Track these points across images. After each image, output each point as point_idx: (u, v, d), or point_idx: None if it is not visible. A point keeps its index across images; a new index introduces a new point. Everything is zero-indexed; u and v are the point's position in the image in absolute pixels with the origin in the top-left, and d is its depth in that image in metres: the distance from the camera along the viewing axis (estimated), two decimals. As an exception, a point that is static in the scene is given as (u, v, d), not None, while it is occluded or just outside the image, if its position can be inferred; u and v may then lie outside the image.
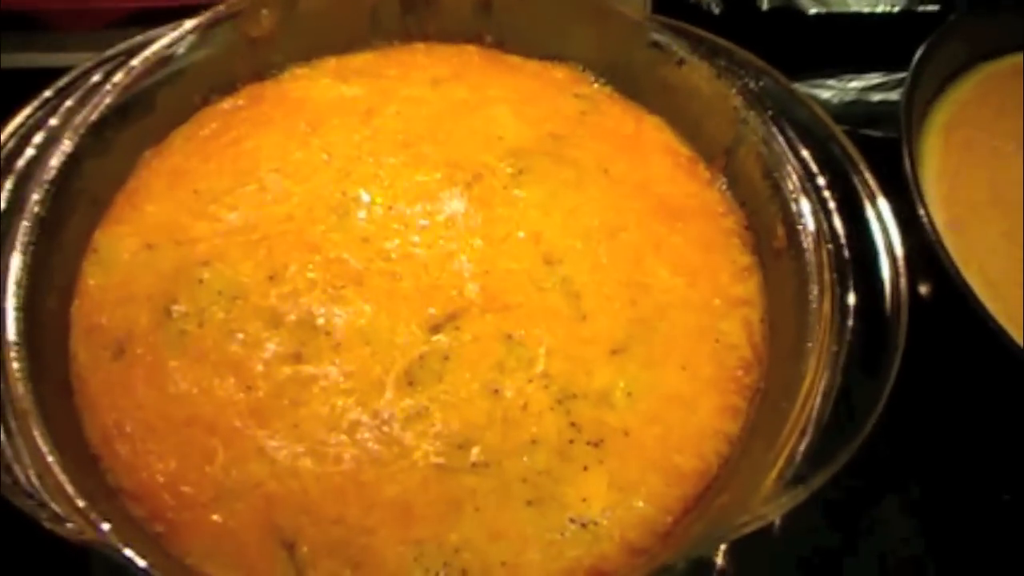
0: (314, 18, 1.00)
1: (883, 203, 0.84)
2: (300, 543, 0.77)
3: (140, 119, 0.92)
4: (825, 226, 0.84)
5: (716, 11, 1.23)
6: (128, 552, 0.71)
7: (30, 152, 0.86)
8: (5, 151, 0.86)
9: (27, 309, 0.80)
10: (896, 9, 1.24)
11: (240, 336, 0.83)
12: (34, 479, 0.74)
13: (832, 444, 0.76)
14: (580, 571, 0.76)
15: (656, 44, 0.95)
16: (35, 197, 0.84)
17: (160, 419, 0.81)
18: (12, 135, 0.87)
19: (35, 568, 0.94)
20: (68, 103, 0.88)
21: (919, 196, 0.92)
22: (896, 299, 0.81)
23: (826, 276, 0.82)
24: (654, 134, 0.96)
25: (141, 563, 0.71)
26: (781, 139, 0.88)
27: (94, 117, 0.88)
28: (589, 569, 0.76)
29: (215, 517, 0.78)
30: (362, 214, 0.90)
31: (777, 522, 0.92)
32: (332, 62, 1.00)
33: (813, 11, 1.23)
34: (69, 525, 0.73)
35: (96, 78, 0.90)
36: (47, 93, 0.89)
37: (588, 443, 0.80)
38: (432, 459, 0.79)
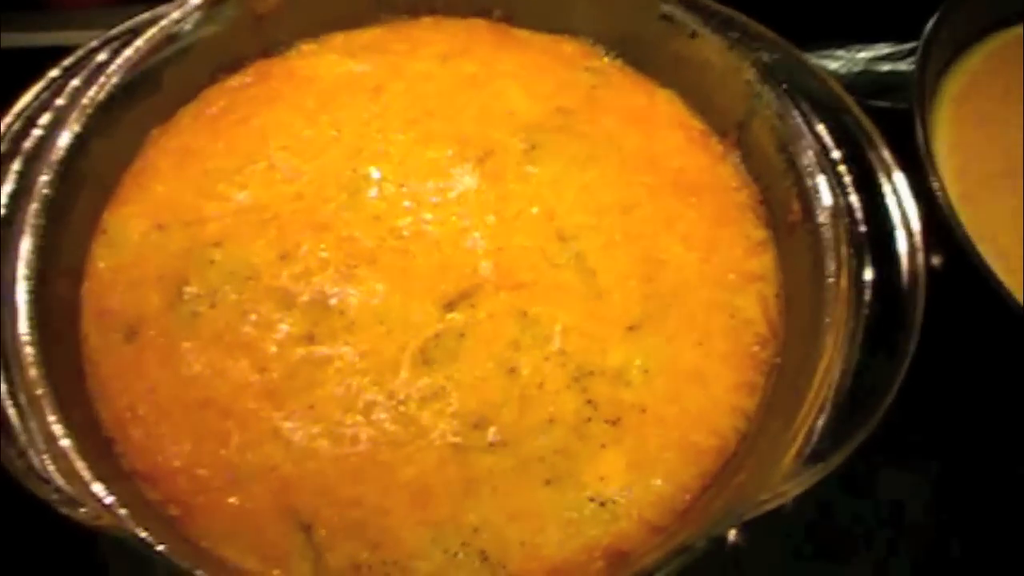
0: (320, -7, 0.99)
1: (899, 177, 0.84)
2: (317, 525, 0.76)
3: (147, 98, 0.91)
4: (841, 200, 0.84)
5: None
6: (144, 535, 0.72)
7: (37, 133, 0.85)
8: (12, 132, 0.85)
9: (37, 292, 0.80)
10: (905, -22, 1.23)
11: (253, 317, 0.83)
12: (49, 464, 0.74)
13: (850, 420, 0.76)
14: (599, 550, 0.76)
15: (667, 17, 0.94)
16: (43, 179, 0.83)
17: (174, 402, 0.80)
18: (18, 116, 0.86)
19: (43, 553, 0.94)
20: (74, 83, 0.87)
21: (932, 169, 0.91)
22: (913, 274, 0.80)
23: (843, 251, 0.81)
24: (666, 108, 0.95)
25: (158, 547, 0.71)
26: (796, 113, 0.87)
27: (101, 97, 0.86)
28: (608, 548, 0.76)
29: (231, 500, 0.77)
30: (373, 192, 0.89)
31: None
32: (339, 38, 0.98)
33: (822, -20, 1.22)
34: (84, 510, 0.73)
35: (102, 57, 0.88)
36: (53, 73, 0.88)
37: (605, 421, 0.80)
38: (449, 439, 0.79)
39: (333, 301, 0.84)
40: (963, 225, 0.89)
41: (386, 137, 0.92)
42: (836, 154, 0.85)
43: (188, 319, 0.83)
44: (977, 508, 0.99)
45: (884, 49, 1.16)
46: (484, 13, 1.01)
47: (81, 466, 0.73)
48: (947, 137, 1.00)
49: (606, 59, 0.99)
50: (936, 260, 0.91)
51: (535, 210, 0.88)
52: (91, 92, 0.87)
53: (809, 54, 0.92)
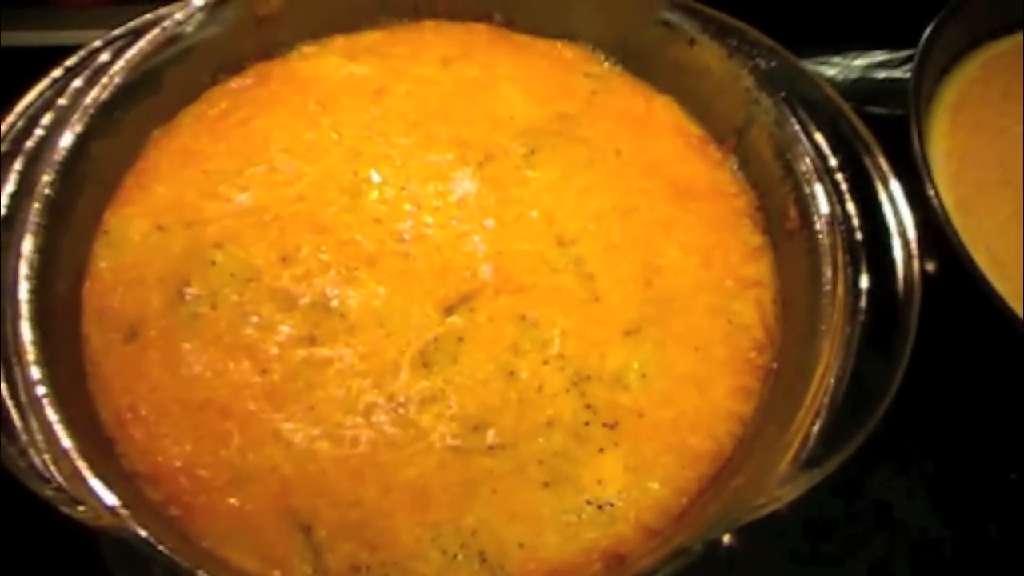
0: (322, -4, 1.00)
1: (895, 185, 0.84)
2: (317, 526, 0.77)
3: (148, 98, 0.91)
4: (838, 208, 0.84)
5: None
6: (145, 535, 0.72)
7: (39, 133, 0.85)
8: (13, 132, 0.85)
9: (38, 292, 0.80)
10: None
11: (254, 319, 0.83)
12: (50, 464, 0.74)
13: (846, 426, 0.76)
14: (596, 552, 0.77)
15: (667, 23, 0.94)
16: (44, 179, 0.83)
17: (175, 402, 0.81)
18: (20, 115, 0.86)
19: (44, 553, 0.94)
20: (76, 83, 0.87)
21: (928, 176, 0.92)
22: (909, 281, 0.81)
23: (839, 258, 0.82)
24: (664, 114, 0.96)
25: (160, 547, 0.72)
26: (793, 120, 0.88)
27: (103, 97, 0.87)
28: (605, 551, 0.77)
29: (231, 500, 0.78)
30: (374, 195, 0.89)
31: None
32: (340, 40, 0.99)
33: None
34: (84, 509, 0.73)
35: (104, 57, 0.89)
36: (55, 72, 0.88)
37: (603, 425, 0.81)
38: (448, 441, 0.79)
39: (334, 303, 0.84)
40: (958, 232, 0.90)
41: (387, 140, 0.92)
42: (833, 161, 0.86)
43: (189, 320, 0.83)
44: (970, 511, 0.99)
45: (880, 56, 1.16)
46: (485, 18, 1.02)
47: (82, 465, 0.74)
48: (943, 144, 1.01)
49: (606, 64, 0.99)
50: (931, 267, 0.92)
51: (534, 214, 0.89)
52: (93, 92, 0.87)
53: (805, 61, 0.92)
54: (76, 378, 0.82)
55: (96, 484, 0.73)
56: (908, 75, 1.10)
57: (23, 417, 0.76)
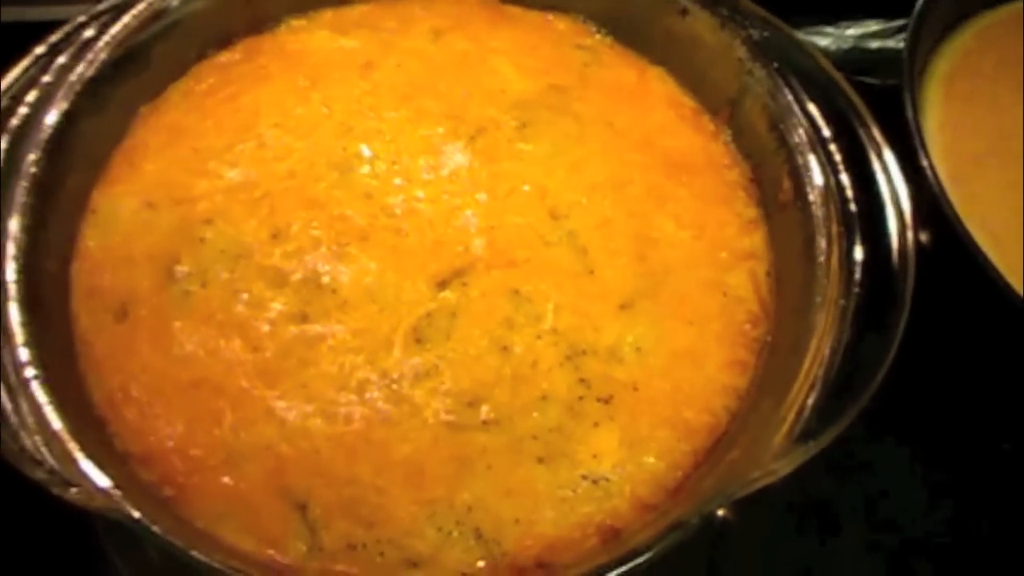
0: (309, -32, 0.98)
1: (890, 156, 0.84)
2: (312, 504, 0.77)
3: (135, 75, 0.90)
4: (831, 179, 0.84)
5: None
6: (139, 516, 0.72)
7: (24, 111, 0.84)
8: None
9: (26, 272, 0.79)
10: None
11: (245, 296, 0.83)
12: (41, 446, 0.74)
13: (841, 399, 0.76)
14: (592, 527, 0.77)
15: (658, -7, 0.94)
16: (31, 157, 0.82)
17: (166, 382, 0.80)
18: (4, 93, 0.85)
19: (38, 534, 0.94)
20: (61, 59, 0.86)
21: (923, 147, 0.91)
22: (903, 253, 0.80)
23: (833, 229, 0.82)
24: (657, 85, 0.95)
25: (154, 527, 0.71)
26: (787, 91, 0.87)
27: (89, 73, 0.85)
28: (600, 525, 0.77)
29: (225, 480, 0.77)
30: (365, 169, 0.88)
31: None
32: (329, 14, 0.98)
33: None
34: (76, 491, 0.72)
35: (89, 33, 0.87)
36: (39, 49, 0.86)
37: (598, 399, 0.80)
38: (442, 417, 0.79)
39: (325, 279, 0.83)
40: (953, 203, 0.89)
41: (378, 114, 0.91)
42: (827, 132, 0.85)
43: (180, 298, 0.83)
44: (963, 482, 1.00)
45: (873, 26, 1.16)
46: (475, -11, 1.01)
47: (74, 447, 0.73)
48: (936, 116, 1.01)
49: (597, 36, 0.98)
50: (925, 238, 0.91)
51: (527, 188, 0.88)
52: (79, 69, 0.86)
53: (798, 31, 0.92)
54: (66, 359, 0.81)
55: (88, 466, 0.72)
56: (901, 45, 1.10)
57: (13, 399, 0.75)
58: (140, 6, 0.89)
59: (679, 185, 0.89)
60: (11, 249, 0.79)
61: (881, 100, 0.91)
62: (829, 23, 1.16)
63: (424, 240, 0.85)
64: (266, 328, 0.82)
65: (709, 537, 0.96)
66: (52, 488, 0.73)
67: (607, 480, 0.78)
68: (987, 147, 0.99)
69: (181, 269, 0.84)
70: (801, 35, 0.92)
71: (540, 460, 0.78)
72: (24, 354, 0.76)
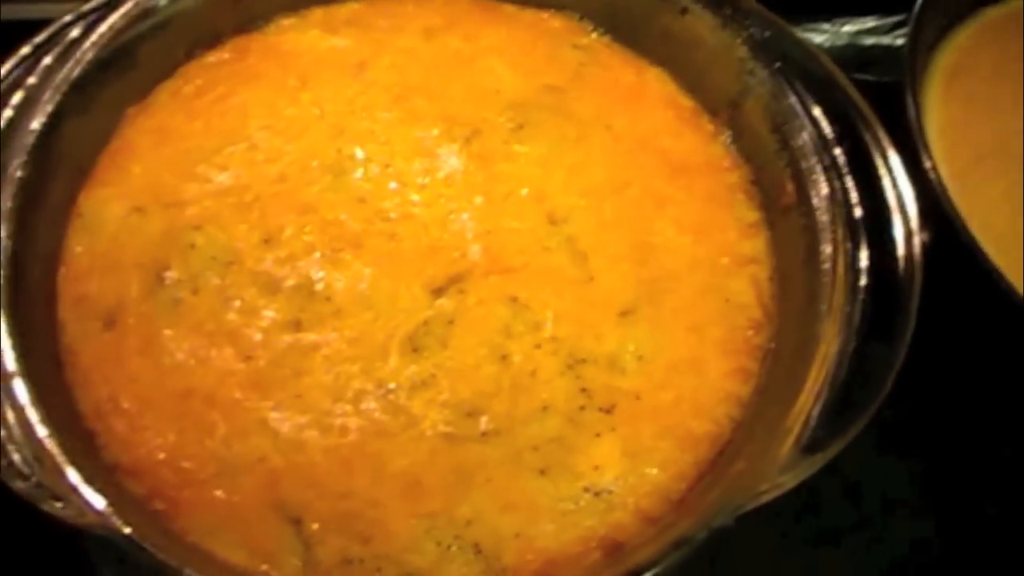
0: (298, -35, 0.96)
1: (895, 159, 0.82)
2: (307, 518, 0.75)
3: (122, 75, 0.87)
4: (836, 183, 0.82)
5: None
6: (129, 533, 0.70)
7: (8, 113, 0.82)
8: (-20, 111, 0.82)
9: (11, 279, 0.77)
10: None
11: (237, 303, 0.81)
12: (30, 459, 0.72)
13: (848, 408, 0.75)
14: (594, 541, 0.75)
15: (657, -8, 0.92)
16: (16, 161, 0.80)
17: (156, 392, 0.78)
18: (-11, 94, 0.83)
19: (25, 545, 0.92)
20: (47, 60, 0.83)
21: (925, 148, 0.90)
22: (909, 259, 0.79)
23: (838, 235, 0.80)
24: (656, 86, 0.93)
25: (145, 545, 0.69)
26: (790, 92, 0.85)
27: (75, 74, 0.83)
28: (603, 539, 0.76)
29: (218, 493, 0.76)
30: (358, 173, 0.86)
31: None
32: (319, 12, 0.95)
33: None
34: (65, 507, 0.70)
35: (75, 33, 0.85)
36: (24, 50, 0.84)
37: (599, 409, 0.79)
38: (440, 428, 0.77)
39: (319, 286, 0.81)
40: (955, 206, 0.88)
41: (371, 115, 0.89)
42: (830, 135, 0.84)
43: (169, 306, 0.81)
44: (964, 488, 0.99)
45: (869, 22, 1.14)
46: (468, -13, 0.98)
47: (63, 461, 0.71)
48: (936, 117, 0.99)
49: (594, 35, 0.96)
50: (927, 239, 0.90)
51: (525, 191, 0.86)
52: (65, 70, 0.83)
53: (794, 27, 0.90)
54: (53, 369, 0.80)
55: (77, 481, 0.70)
56: (898, 41, 1.09)
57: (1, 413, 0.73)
58: (127, 5, 0.86)
59: (679, 188, 0.88)
60: (-1, 256, 0.78)
61: (879, 97, 0.89)
62: (826, 19, 1.14)
63: (419, 246, 0.83)
64: (259, 336, 0.80)
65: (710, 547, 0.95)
66: (40, 504, 0.71)
67: (609, 492, 0.77)
68: (988, 148, 0.97)
69: (171, 275, 0.82)
70: (798, 32, 0.90)
71: (541, 472, 0.77)
72: (10, 364, 0.74)
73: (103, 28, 0.85)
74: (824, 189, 0.82)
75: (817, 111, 0.85)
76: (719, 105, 0.91)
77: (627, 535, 0.76)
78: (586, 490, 0.76)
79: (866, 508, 0.97)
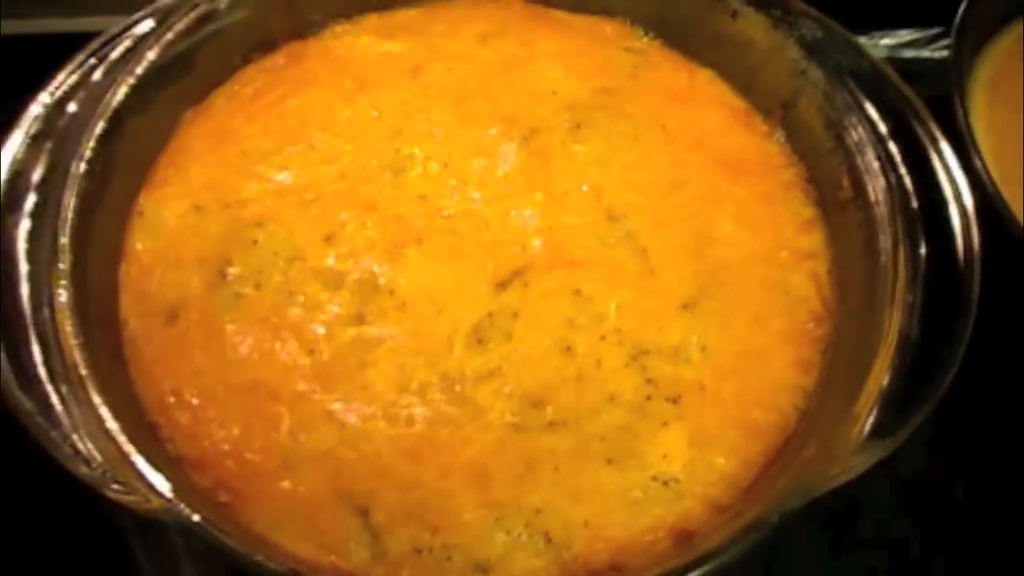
0: (354, -27, 0.98)
1: (948, 150, 0.83)
2: (374, 509, 0.74)
3: (180, 79, 0.88)
4: (892, 177, 0.83)
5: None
6: (199, 519, 0.69)
7: (70, 115, 0.83)
8: (45, 114, 0.82)
9: (75, 277, 0.77)
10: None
11: (300, 298, 0.81)
12: (93, 449, 0.72)
13: (914, 395, 0.75)
14: (663, 530, 0.75)
15: (708, -4, 0.93)
16: (78, 160, 0.81)
17: (220, 385, 0.78)
18: (51, 97, 0.83)
19: (74, 543, 0.92)
20: (109, 60, 0.85)
21: (975, 148, 0.91)
22: (968, 248, 0.79)
23: (898, 227, 0.81)
24: (708, 88, 0.94)
25: (214, 532, 0.69)
26: (843, 90, 0.86)
27: (134, 79, 0.84)
28: (672, 527, 0.75)
29: (284, 484, 0.75)
30: (418, 171, 0.87)
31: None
32: (373, 19, 0.96)
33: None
34: (131, 493, 0.70)
35: (134, 39, 0.86)
36: (85, 54, 0.85)
37: (666, 399, 0.79)
38: (507, 418, 0.77)
39: (382, 281, 0.82)
40: (1008, 204, 0.88)
41: (428, 117, 0.90)
42: (884, 130, 0.85)
43: (232, 301, 0.81)
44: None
45: (907, 36, 1.15)
46: (520, -6, 1.00)
47: (130, 449, 0.71)
48: (982, 121, 1.00)
49: (645, 39, 0.97)
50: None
51: (584, 188, 0.87)
52: (125, 74, 0.84)
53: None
54: (115, 364, 0.79)
55: (146, 467, 0.71)
56: (937, 54, 1.10)
57: (64, 403, 0.73)
58: (188, 13, 0.87)
59: (735, 186, 0.88)
60: (60, 253, 0.77)
61: (924, 109, 0.90)
62: (863, 33, 1.15)
63: (481, 241, 0.84)
64: (322, 330, 0.80)
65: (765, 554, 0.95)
66: (105, 491, 0.71)
67: (677, 481, 0.76)
68: (1034, 151, 0.99)
69: (233, 271, 0.82)
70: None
71: (608, 461, 0.76)
72: (76, 356, 0.74)
73: (162, 34, 0.86)
74: (880, 183, 0.83)
75: (870, 107, 0.86)
76: (772, 105, 0.92)
77: (696, 524, 0.75)
78: (654, 479, 0.76)
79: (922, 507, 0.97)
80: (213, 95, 0.92)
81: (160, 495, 0.70)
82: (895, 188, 0.83)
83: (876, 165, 0.84)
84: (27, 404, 0.72)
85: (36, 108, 0.83)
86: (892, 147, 0.84)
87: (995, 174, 0.93)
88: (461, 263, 0.83)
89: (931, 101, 0.94)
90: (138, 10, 0.89)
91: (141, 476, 0.70)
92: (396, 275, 0.82)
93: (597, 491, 0.75)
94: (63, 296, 0.76)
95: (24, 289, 0.77)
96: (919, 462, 0.98)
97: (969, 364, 0.76)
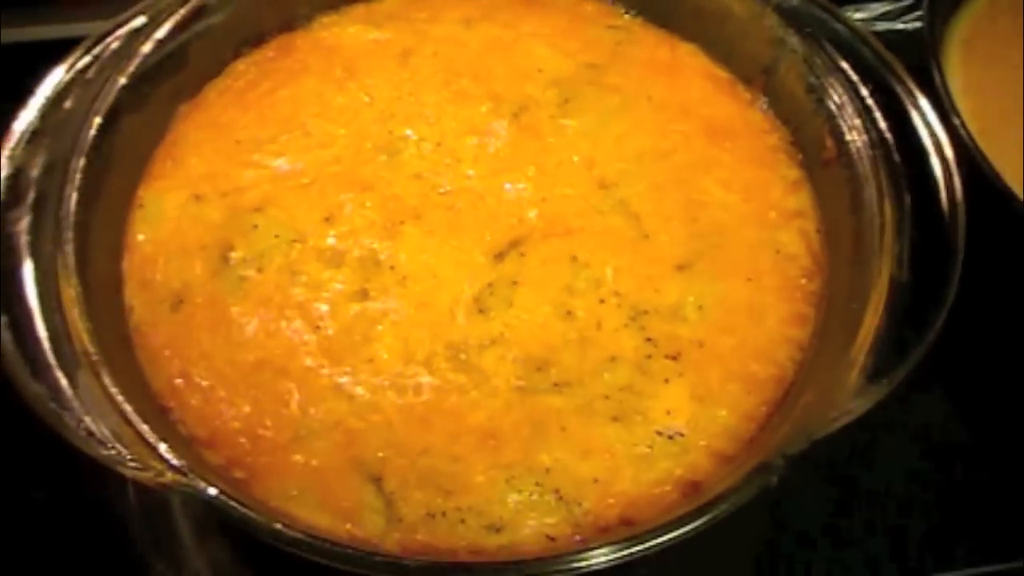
0: (340, -36, 1.00)
1: (925, 103, 0.85)
2: (387, 476, 0.76)
3: (174, 74, 0.90)
4: (873, 133, 0.85)
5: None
6: (216, 493, 0.70)
7: (67, 108, 0.84)
8: (42, 110, 0.83)
9: (79, 268, 0.78)
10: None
11: (303, 278, 0.83)
12: (105, 430, 0.72)
13: (907, 339, 0.76)
14: (671, 482, 0.76)
15: (685, -30, 0.96)
16: (76, 156, 0.82)
17: (228, 366, 0.80)
18: (47, 94, 0.84)
19: (78, 534, 0.93)
20: (103, 58, 0.86)
21: (951, 105, 0.93)
22: (951, 194, 0.81)
23: (882, 180, 0.83)
24: (690, 60, 0.96)
25: (232, 503, 0.70)
26: (822, 53, 0.89)
27: (131, 70, 0.86)
28: (680, 480, 0.76)
29: (296, 457, 0.77)
30: (412, 151, 0.89)
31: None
32: (360, 9, 0.98)
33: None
34: (145, 469, 0.71)
35: (126, 37, 0.87)
36: (78, 54, 0.86)
37: (666, 357, 0.80)
38: (513, 383, 0.79)
39: (382, 257, 0.83)
40: (988, 158, 0.90)
41: (419, 99, 0.92)
42: (863, 89, 0.87)
43: (236, 284, 0.82)
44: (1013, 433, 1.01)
45: (879, 8, 1.17)
46: (503, -21, 1.02)
47: (144, 428, 0.72)
48: (959, 81, 1.02)
49: (627, 16, 0.99)
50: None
51: (575, 159, 0.89)
52: (118, 71, 0.86)
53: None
54: (123, 350, 0.80)
55: (160, 445, 0.71)
56: (911, 25, 1.12)
57: (74, 387, 0.74)
58: (178, 9, 0.89)
59: (722, 151, 0.90)
60: (63, 246, 0.79)
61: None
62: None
63: (478, 215, 0.86)
64: (326, 308, 0.81)
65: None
66: (122, 469, 0.71)
67: (682, 435, 0.78)
68: (1012, 105, 1.00)
69: (235, 255, 0.83)
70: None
71: (614, 419, 0.78)
72: (86, 340, 0.75)
73: (155, 31, 0.88)
74: (862, 140, 0.85)
75: (848, 68, 0.88)
76: (753, 73, 0.94)
77: (703, 475, 0.77)
78: (659, 434, 0.78)
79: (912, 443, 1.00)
80: (206, 89, 0.93)
81: (176, 469, 0.71)
82: (877, 143, 0.85)
83: (857, 123, 0.86)
84: (39, 390, 0.73)
85: (33, 106, 0.84)
86: (872, 104, 0.86)
87: (974, 128, 0.95)
88: (459, 237, 0.84)
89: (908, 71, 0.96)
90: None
91: (156, 453, 0.71)
92: (396, 251, 0.84)
93: (605, 448, 0.77)
94: (69, 287, 0.77)
95: (29, 282, 0.78)
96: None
97: (954, 312, 0.78)
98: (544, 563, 0.71)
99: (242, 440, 0.77)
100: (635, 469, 0.76)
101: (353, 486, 0.76)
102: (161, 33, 0.88)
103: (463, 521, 0.75)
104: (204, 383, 0.79)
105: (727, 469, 0.77)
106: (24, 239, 0.80)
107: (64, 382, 0.74)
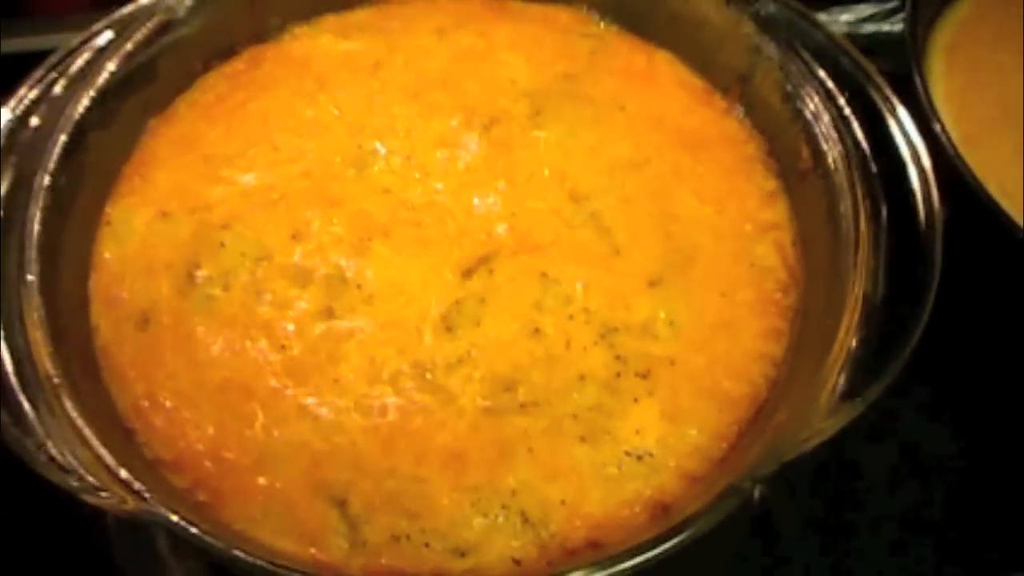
0: (311, -25, 0.99)
1: (904, 113, 0.83)
2: (352, 499, 0.75)
3: (143, 88, 0.89)
4: (850, 143, 0.84)
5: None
6: (177, 519, 0.69)
7: (34, 126, 0.83)
8: (8, 128, 0.83)
9: (44, 287, 0.78)
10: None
11: (268, 296, 0.82)
12: (68, 455, 0.72)
13: (882, 356, 0.75)
14: (639, 504, 0.75)
15: (661, -22, 0.94)
16: (43, 173, 0.81)
17: (193, 386, 0.79)
18: (14, 110, 0.84)
19: (53, 551, 0.92)
20: (70, 73, 0.85)
21: (933, 112, 0.91)
22: (929, 208, 0.80)
23: (858, 192, 0.81)
24: (666, 68, 0.95)
25: (193, 530, 0.69)
26: (798, 61, 0.87)
27: (98, 85, 0.85)
28: (649, 501, 0.75)
29: (261, 480, 0.76)
30: (380, 165, 0.88)
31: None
32: (331, 19, 0.97)
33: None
34: (109, 496, 0.70)
35: (95, 50, 0.86)
36: (45, 68, 0.85)
37: (636, 375, 0.79)
38: (479, 403, 0.78)
39: (349, 275, 0.82)
40: (970, 166, 0.89)
41: (389, 111, 0.91)
42: (840, 99, 0.85)
43: (202, 303, 0.82)
44: (997, 444, 0.99)
45: (866, 10, 1.16)
46: (476, -12, 1.01)
47: (104, 453, 0.71)
48: (942, 86, 1.01)
49: (602, 24, 0.98)
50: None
51: (546, 172, 0.88)
52: (87, 84, 0.85)
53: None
54: (88, 371, 0.80)
55: (121, 471, 0.70)
56: (896, 28, 1.11)
57: (37, 410, 0.73)
58: (146, 23, 0.88)
59: (697, 162, 0.89)
60: (28, 265, 0.78)
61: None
62: (821, 9, 1.15)
63: (446, 230, 0.85)
64: (291, 327, 0.80)
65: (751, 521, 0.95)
66: (83, 496, 0.71)
67: (651, 455, 0.77)
68: (995, 111, 0.99)
69: (202, 274, 0.83)
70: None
71: (582, 439, 0.77)
72: (48, 365, 0.74)
73: (122, 45, 0.87)
74: (838, 150, 0.83)
75: (825, 77, 0.86)
76: (729, 81, 0.93)
77: (672, 496, 0.75)
78: (628, 454, 0.76)
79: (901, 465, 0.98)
80: (176, 102, 0.92)
81: (137, 496, 0.70)
82: (853, 154, 0.83)
83: (833, 133, 0.84)
84: (1, 415, 0.73)
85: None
86: (849, 114, 0.85)
87: (957, 137, 0.93)
88: (427, 253, 0.83)
89: (893, 73, 0.95)
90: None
91: (117, 479, 0.71)
92: (363, 268, 0.83)
93: (572, 469, 0.76)
94: (32, 309, 0.76)
95: (-8, 302, 0.78)
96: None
97: (936, 322, 0.77)
98: (509, 588, 0.70)
99: (207, 463, 0.76)
100: (603, 490, 0.75)
101: (317, 509, 0.75)
102: (128, 47, 0.87)
103: (428, 544, 0.74)
104: (169, 404, 0.78)
105: (696, 490, 0.76)
106: (-12, 258, 0.79)
107: (27, 406, 0.73)
